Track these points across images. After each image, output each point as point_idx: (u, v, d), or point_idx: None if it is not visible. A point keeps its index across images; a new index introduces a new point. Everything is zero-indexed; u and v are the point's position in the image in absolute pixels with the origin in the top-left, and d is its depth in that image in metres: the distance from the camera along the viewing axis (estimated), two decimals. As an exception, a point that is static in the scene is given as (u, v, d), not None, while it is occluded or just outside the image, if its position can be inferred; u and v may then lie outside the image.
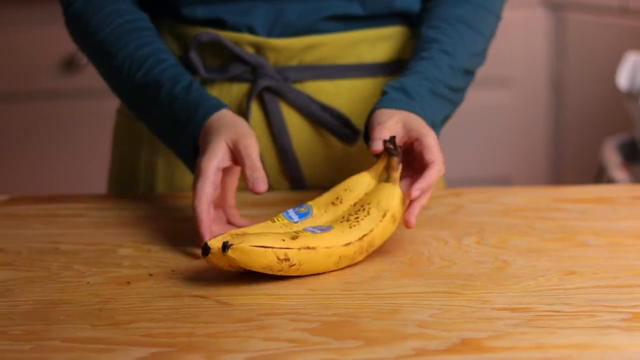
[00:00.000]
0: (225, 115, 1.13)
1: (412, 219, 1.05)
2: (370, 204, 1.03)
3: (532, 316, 0.91)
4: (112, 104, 1.40)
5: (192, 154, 1.15)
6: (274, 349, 0.85)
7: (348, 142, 1.27)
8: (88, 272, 1.04)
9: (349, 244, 1.01)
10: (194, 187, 1.08)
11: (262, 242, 0.98)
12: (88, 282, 1.01)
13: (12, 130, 2.54)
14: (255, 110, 1.25)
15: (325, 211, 1.06)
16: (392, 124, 1.10)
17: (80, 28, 1.24)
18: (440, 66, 1.19)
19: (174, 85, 1.16)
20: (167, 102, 1.16)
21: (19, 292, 0.99)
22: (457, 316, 0.91)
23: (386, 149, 1.04)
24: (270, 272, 0.99)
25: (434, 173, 1.07)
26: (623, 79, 1.96)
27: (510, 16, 2.50)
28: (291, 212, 1.05)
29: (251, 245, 0.97)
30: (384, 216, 1.02)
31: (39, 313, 0.94)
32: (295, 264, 0.99)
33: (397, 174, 1.05)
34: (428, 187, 1.07)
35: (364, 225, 1.02)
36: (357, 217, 1.03)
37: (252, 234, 1.00)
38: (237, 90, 1.26)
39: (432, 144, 1.08)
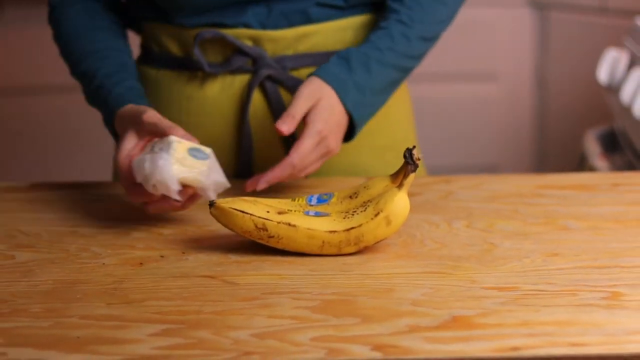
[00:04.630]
0: (125, 110, 1.14)
1: (249, 186, 1.11)
2: (371, 202, 1.01)
3: (518, 295, 0.90)
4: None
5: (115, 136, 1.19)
6: (277, 325, 0.85)
7: None
8: (104, 253, 1.03)
9: (334, 232, 1.00)
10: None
11: (244, 208, 1.00)
12: (104, 263, 1.01)
13: (34, 121, 2.53)
14: (257, 98, 1.25)
15: (341, 202, 1.04)
16: (304, 101, 1.13)
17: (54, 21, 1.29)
18: (393, 35, 1.21)
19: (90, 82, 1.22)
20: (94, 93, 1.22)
21: (40, 272, 0.99)
22: (448, 295, 0.91)
23: (404, 156, 1.01)
24: (253, 239, 1.01)
25: (290, 160, 1.11)
26: (603, 74, 1.95)
27: (497, 15, 2.50)
28: (314, 196, 1.05)
29: (231, 208, 1.00)
30: (376, 215, 1.00)
31: (58, 292, 0.93)
32: (274, 236, 1.00)
33: (407, 180, 1.01)
34: (280, 173, 1.11)
35: (355, 219, 1.00)
36: (355, 212, 1.01)
37: (245, 200, 1.02)
38: (240, 81, 1.25)
39: (311, 133, 1.12)
